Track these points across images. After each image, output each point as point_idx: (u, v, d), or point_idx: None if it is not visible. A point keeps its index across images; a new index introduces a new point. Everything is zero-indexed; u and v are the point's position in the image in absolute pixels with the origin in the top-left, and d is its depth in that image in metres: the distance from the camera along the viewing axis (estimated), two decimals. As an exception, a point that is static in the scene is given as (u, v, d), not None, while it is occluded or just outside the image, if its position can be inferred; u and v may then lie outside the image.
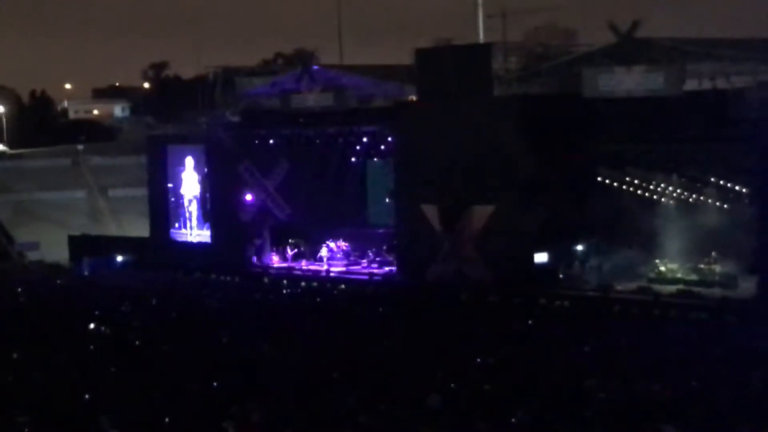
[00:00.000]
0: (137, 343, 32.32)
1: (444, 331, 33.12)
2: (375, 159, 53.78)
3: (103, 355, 30.16)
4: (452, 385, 24.22)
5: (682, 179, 42.88)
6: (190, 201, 58.40)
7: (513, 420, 21.01)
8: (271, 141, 55.10)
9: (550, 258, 43.99)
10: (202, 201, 57.75)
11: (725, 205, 41.80)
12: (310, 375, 26.02)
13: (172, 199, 59.19)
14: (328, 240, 53.64)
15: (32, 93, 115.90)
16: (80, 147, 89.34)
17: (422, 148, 47.50)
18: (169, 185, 59.18)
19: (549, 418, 21.18)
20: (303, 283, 48.57)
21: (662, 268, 42.78)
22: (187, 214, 58.59)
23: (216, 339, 32.21)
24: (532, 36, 49.26)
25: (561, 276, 43.88)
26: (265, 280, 51.08)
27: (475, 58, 46.67)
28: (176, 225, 59.24)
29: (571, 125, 43.12)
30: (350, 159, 53.89)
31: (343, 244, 53.38)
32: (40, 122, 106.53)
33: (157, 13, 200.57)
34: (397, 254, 49.88)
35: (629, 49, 43.41)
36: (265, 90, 57.92)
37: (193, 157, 57.84)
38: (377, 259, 51.26)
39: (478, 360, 27.53)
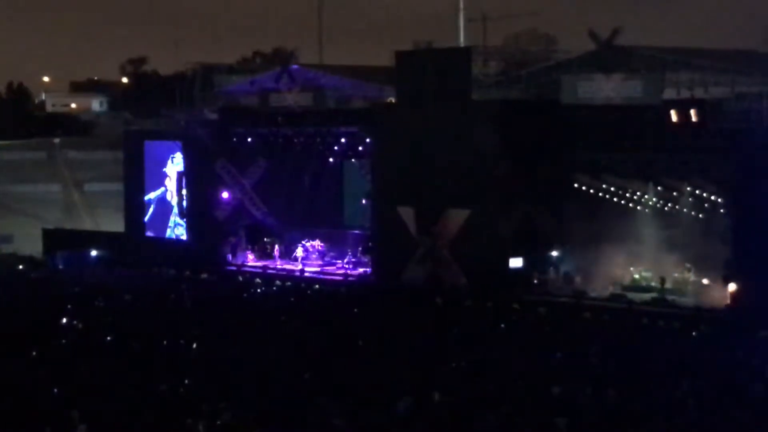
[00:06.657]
0: (109, 338, 32.18)
1: (417, 334, 33.05)
2: (352, 160, 53.70)
3: (75, 350, 30.02)
4: (423, 389, 24.19)
5: (659, 188, 42.97)
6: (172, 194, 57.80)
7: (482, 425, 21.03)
8: (249, 139, 54.91)
9: (524, 263, 44.02)
10: (179, 197, 57.42)
11: (700, 215, 41.91)
12: (280, 375, 25.95)
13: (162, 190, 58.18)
14: (303, 240, 53.55)
15: (9, 85, 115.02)
16: (56, 140, 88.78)
17: (400, 150, 47.47)
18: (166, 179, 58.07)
19: (518, 424, 21.21)
20: (278, 283, 48.42)
21: (636, 276, 42.86)
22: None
23: (188, 337, 32.08)
24: (512, 41, 49.45)
25: (535, 281, 43.90)
26: (240, 278, 50.90)
27: (454, 61, 46.70)
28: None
29: (549, 131, 43.19)
30: (328, 159, 53.84)
31: (318, 244, 53.28)
32: (16, 114, 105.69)
33: (136, 8, 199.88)
34: (373, 256, 49.81)
35: (609, 56, 43.63)
36: (244, 88, 57.80)
37: (170, 153, 57.37)
38: (352, 260, 51.17)
39: (453, 365, 27.53)
